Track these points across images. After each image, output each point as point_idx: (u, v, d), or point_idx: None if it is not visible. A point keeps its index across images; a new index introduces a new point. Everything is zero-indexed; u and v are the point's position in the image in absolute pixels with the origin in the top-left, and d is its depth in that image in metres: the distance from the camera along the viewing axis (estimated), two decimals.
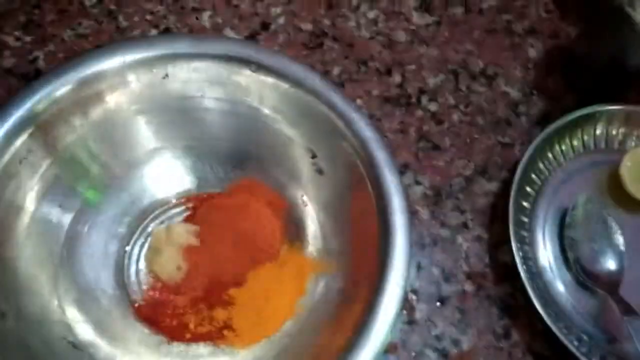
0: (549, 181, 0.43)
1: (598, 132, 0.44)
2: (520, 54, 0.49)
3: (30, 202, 0.33)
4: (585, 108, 0.43)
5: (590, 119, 0.44)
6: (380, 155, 0.33)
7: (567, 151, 0.44)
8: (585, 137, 0.44)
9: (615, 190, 0.43)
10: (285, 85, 0.36)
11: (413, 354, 0.37)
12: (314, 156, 0.37)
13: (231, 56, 0.36)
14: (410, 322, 0.38)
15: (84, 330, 0.33)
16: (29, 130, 0.33)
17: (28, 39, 0.45)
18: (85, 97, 0.35)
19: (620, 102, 0.44)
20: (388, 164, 0.33)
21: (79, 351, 0.32)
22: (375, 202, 0.33)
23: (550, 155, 0.43)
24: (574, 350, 0.35)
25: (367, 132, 0.34)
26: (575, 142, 0.44)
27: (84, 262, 0.35)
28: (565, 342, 0.35)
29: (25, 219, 0.33)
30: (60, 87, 0.33)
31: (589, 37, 0.47)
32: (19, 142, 0.32)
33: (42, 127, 0.33)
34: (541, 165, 0.43)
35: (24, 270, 0.32)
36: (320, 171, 0.37)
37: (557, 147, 0.43)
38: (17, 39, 0.45)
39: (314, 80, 0.35)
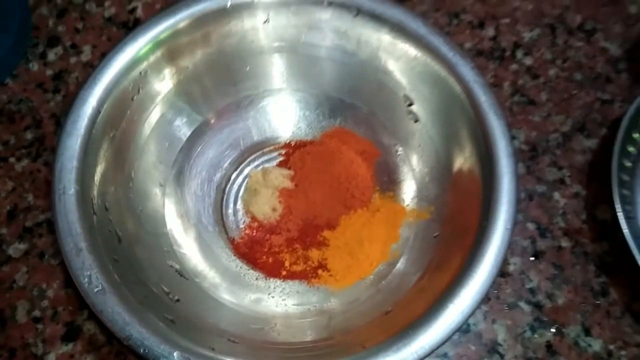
0: None
1: None
2: (620, 9, 0.47)
3: (153, 117, 0.36)
4: None
5: None
6: (485, 99, 0.32)
7: None
8: None
9: None
10: (384, 30, 0.36)
11: (506, 305, 0.36)
12: (410, 104, 0.37)
13: (331, 1, 0.36)
14: (504, 274, 0.37)
15: (189, 259, 0.34)
16: (160, 51, 0.35)
17: None
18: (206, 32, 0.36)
19: None
20: (493, 107, 0.32)
21: (185, 279, 0.33)
22: (478, 146, 0.32)
23: None
24: None
25: (471, 75, 0.33)
26: None
27: (187, 199, 0.37)
28: None
29: (146, 131, 0.35)
30: (183, 20, 0.35)
31: None
32: (151, 59, 0.35)
33: (169, 51, 0.35)
34: None
35: (138, 190, 0.34)
36: (416, 119, 0.37)
37: None
38: None
39: (416, 23, 0.35)
